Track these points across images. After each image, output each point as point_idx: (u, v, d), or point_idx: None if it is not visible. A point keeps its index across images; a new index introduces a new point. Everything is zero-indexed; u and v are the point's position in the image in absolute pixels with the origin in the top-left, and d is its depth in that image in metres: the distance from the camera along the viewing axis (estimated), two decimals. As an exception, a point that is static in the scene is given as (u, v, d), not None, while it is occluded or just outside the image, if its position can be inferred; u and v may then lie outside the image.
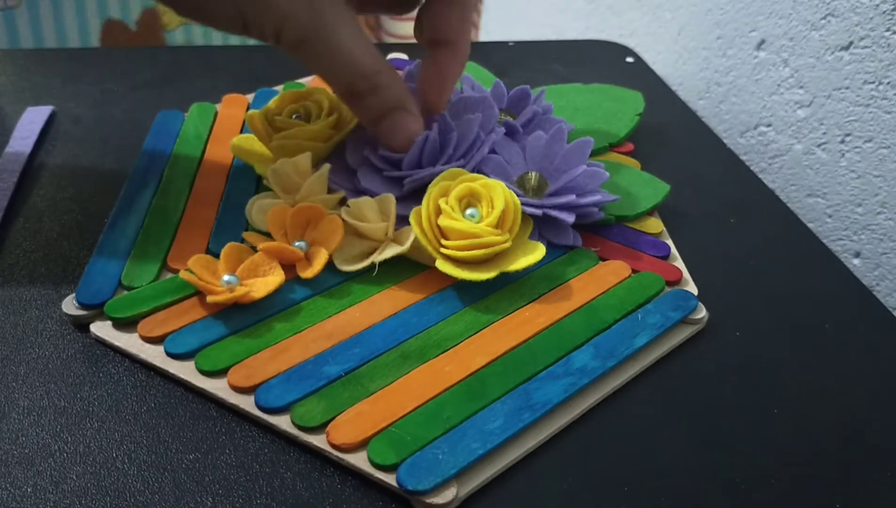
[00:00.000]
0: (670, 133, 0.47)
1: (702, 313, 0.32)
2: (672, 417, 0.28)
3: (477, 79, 0.45)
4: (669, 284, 0.34)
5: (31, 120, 0.42)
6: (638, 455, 0.27)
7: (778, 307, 0.34)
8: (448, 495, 0.24)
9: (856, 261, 0.45)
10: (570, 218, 0.34)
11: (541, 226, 0.35)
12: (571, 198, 0.34)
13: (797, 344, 0.32)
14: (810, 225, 0.44)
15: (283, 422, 0.26)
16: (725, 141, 0.48)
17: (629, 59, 0.57)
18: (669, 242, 0.37)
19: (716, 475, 0.26)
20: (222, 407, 0.27)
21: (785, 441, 0.28)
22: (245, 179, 0.38)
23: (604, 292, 0.33)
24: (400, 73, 0.44)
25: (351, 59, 0.31)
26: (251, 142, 0.39)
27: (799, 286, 0.36)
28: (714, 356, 0.31)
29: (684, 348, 0.31)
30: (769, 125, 0.50)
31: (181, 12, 0.32)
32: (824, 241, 0.40)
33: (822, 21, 0.45)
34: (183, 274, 0.30)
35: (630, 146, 0.44)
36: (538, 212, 0.34)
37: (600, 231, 0.36)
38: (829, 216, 0.46)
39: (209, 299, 0.29)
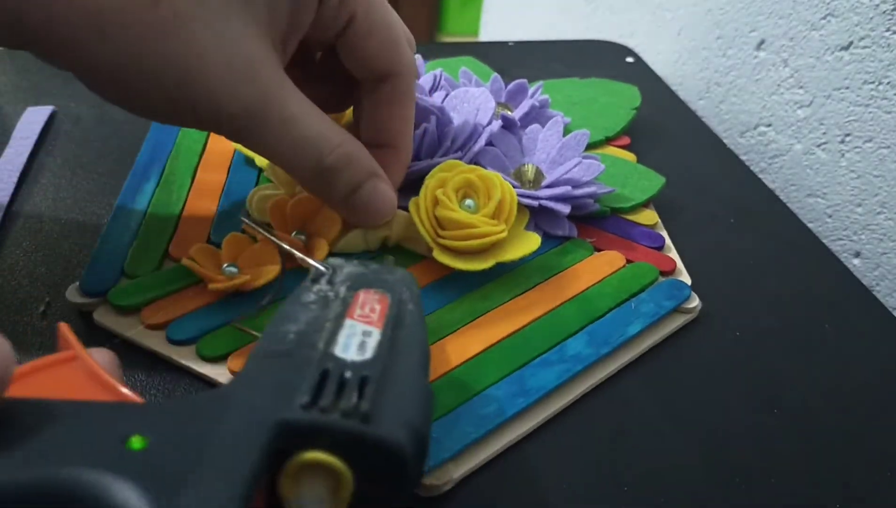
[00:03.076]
0: (670, 133, 0.47)
1: (695, 302, 0.32)
2: (666, 407, 0.28)
3: (475, 74, 0.45)
4: (663, 274, 0.34)
5: (31, 120, 0.42)
6: (629, 441, 0.27)
7: (778, 307, 0.34)
8: (443, 477, 0.24)
9: (856, 261, 0.45)
10: (565, 209, 0.34)
11: (537, 217, 0.35)
12: (567, 189, 0.34)
13: (797, 344, 0.32)
14: (810, 225, 0.44)
15: None
16: (725, 141, 0.48)
17: (629, 60, 0.57)
18: (664, 233, 0.37)
19: (710, 469, 0.26)
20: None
21: (785, 441, 0.28)
22: (245, 172, 0.38)
23: (598, 282, 0.33)
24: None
25: (313, 132, 0.27)
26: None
27: (799, 286, 0.35)
28: (714, 356, 0.31)
29: (684, 348, 0.31)
30: (769, 125, 0.50)
31: (105, 96, 0.27)
32: (824, 241, 0.40)
33: (822, 21, 0.45)
34: (185, 261, 0.30)
35: (626, 140, 0.45)
36: (534, 203, 0.34)
37: (596, 222, 0.37)
38: (829, 216, 0.46)
39: (210, 286, 0.30)
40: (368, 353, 0.20)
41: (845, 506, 0.25)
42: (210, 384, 0.28)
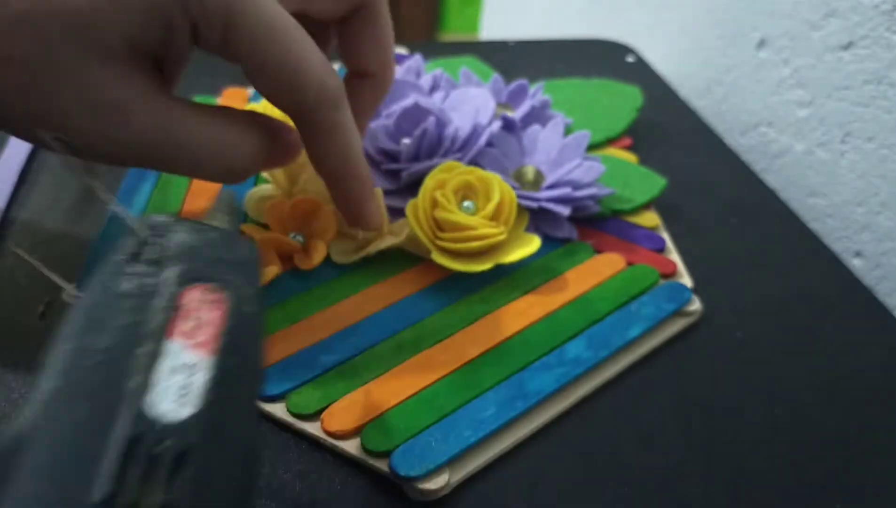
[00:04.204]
0: (671, 132, 0.47)
1: (695, 304, 0.32)
2: (666, 407, 0.28)
3: (476, 74, 0.45)
4: (664, 276, 0.34)
5: (33, 118, 0.42)
6: (629, 444, 0.27)
7: (778, 307, 0.34)
8: (440, 481, 0.24)
9: (856, 261, 0.44)
10: (565, 211, 0.34)
11: (537, 219, 0.35)
12: (567, 191, 0.34)
13: (797, 344, 0.32)
14: (811, 225, 0.44)
15: (278, 410, 0.26)
16: (726, 141, 0.48)
17: (630, 59, 0.57)
18: (665, 235, 0.37)
19: (710, 470, 0.26)
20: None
21: (785, 441, 0.28)
22: (244, 173, 0.38)
23: (598, 284, 0.33)
24: (399, 68, 0.44)
25: (207, 153, 0.25)
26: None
27: (799, 286, 0.35)
28: (714, 356, 0.31)
29: (684, 348, 0.31)
30: (770, 125, 0.50)
31: None
32: (825, 241, 0.40)
33: (823, 21, 0.45)
34: None
35: (628, 141, 0.44)
36: (534, 205, 0.34)
37: (596, 224, 0.36)
38: (830, 216, 0.46)
39: None
40: (190, 405, 0.15)
41: (845, 506, 0.25)
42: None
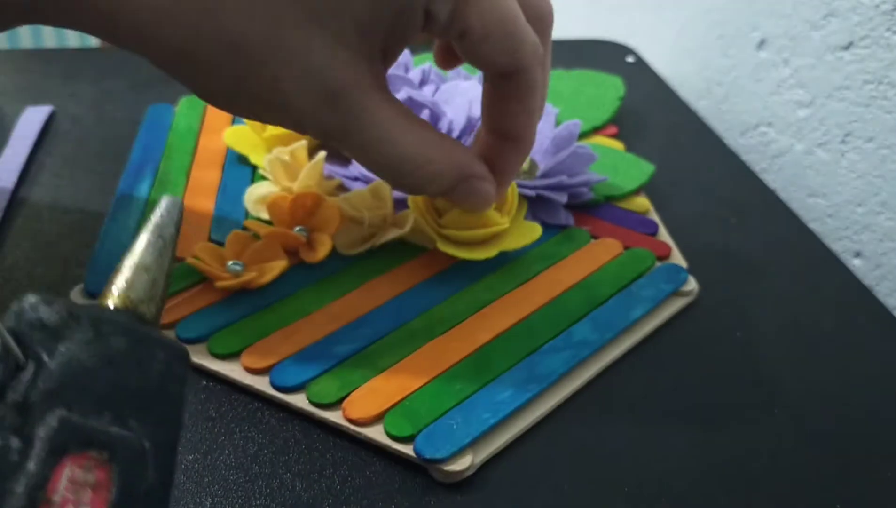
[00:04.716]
0: (671, 132, 0.47)
1: (692, 285, 0.33)
2: (665, 408, 0.28)
3: (464, 67, 0.45)
4: (659, 259, 0.34)
5: (31, 120, 0.42)
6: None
7: (778, 307, 0.34)
8: (465, 462, 0.25)
9: (856, 261, 0.44)
10: (562, 198, 0.35)
11: (535, 207, 0.36)
12: (562, 178, 0.35)
13: (797, 344, 0.32)
14: (811, 225, 0.44)
15: (299, 400, 0.26)
16: (726, 141, 0.48)
17: (630, 59, 0.57)
18: (656, 218, 0.38)
19: (710, 471, 0.26)
20: (221, 408, 0.27)
21: (784, 440, 0.27)
22: (240, 169, 0.38)
23: (598, 269, 0.33)
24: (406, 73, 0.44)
25: (395, 154, 0.26)
26: (244, 132, 0.39)
27: (799, 286, 0.35)
28: (714, 356, 0.31)
29: (684, 348, 0.31)
30: (770, 125, 0.50)
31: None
32: (825, 241, 0.40)
33: (823, 21, 0.45)
34: (191, 260, 0.30)
35: (613, 129, 0.45)
36: (531, 193, 0.35)
37: (591, 211, 0.37)
38: (830, 216, 0.46)
39: (218, 284, 0.30)
40: None
41: (845, 506, 0.25)
42: (223, 381, 0.28)
